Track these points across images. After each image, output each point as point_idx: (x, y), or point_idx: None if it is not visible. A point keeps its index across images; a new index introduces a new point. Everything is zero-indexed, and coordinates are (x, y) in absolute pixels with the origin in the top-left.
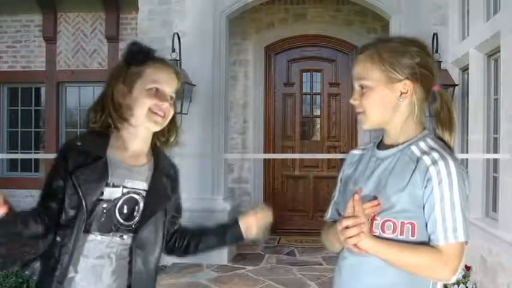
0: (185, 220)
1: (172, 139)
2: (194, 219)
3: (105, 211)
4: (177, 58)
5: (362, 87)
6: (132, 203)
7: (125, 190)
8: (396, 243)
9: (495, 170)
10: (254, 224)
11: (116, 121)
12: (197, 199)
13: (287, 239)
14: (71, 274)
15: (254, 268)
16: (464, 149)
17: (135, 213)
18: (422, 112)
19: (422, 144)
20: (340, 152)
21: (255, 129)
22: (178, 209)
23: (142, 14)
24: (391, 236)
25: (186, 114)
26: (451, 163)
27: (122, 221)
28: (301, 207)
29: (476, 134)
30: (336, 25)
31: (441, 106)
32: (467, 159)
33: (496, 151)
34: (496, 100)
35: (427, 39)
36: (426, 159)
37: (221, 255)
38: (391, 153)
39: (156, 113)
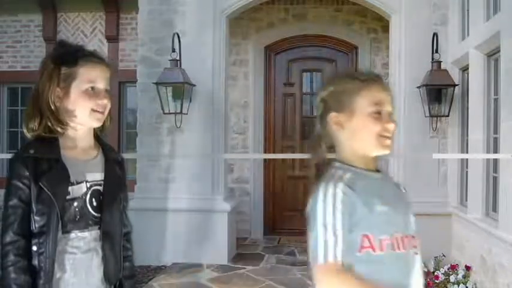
0: (185, 220)
1: (106, 125)
2: (194, 219)
3: (77, 209)
4: (177, 58)
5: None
6: (97, 194)
7: (88, 184)
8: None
9: (495, 170)
10: None
11: (55, 126)
12: (197, 199)
13: (287, 239)
14: (57, 275)
15: (254, 268)
16: (464, 149)
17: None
18: None
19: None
20: None
21: (255, 129)
22: (125, 196)
23: (142, 14)
24: None
25: (186, 114)
26: None
27: (95, 213)
28: (301, 207)
29: (476, 134)
30: (336, 25)
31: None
32: (467, 159)
33: (496, 151)
34: (496, 100)
35: (427, 39)
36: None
37: (221, 255)
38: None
39: (97, 111)
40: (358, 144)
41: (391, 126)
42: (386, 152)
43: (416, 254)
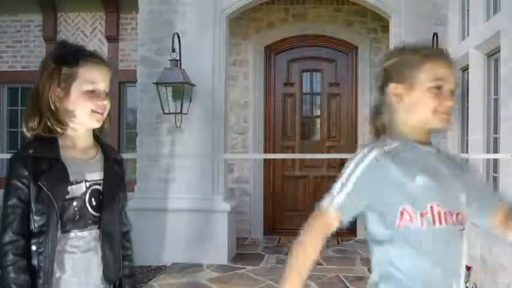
0: (185, 220)
1: (106, 125)
2: (194, 219)
3: (76, 209)
4: (177, 58)
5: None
6: (97, 194)
7: (88, 184)
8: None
9: (495, 170)
10: None
11: (55, 126)
12: (197, 199)
13: (287, 239)
14: (57, 274)
15: (254, 268)
16: (464, 149)
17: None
18: None
19: None
20: (340, 152)
21: (255, 129)
22: (124, 195)
23: (142, 14)
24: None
25: (186, 114)
26: None
27: (94, 213)
28: (301, 207)
29: (476, 134)
30: (336, 25)
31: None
32: (467, 159)
33: (496, 151)
34: (496, 100)
35: (427, 39)
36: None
37: (221, 255)
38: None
39: (96, 112)
40: (415, 118)
41: (449, 103)
42: (444, 126)
43: (461, 230)
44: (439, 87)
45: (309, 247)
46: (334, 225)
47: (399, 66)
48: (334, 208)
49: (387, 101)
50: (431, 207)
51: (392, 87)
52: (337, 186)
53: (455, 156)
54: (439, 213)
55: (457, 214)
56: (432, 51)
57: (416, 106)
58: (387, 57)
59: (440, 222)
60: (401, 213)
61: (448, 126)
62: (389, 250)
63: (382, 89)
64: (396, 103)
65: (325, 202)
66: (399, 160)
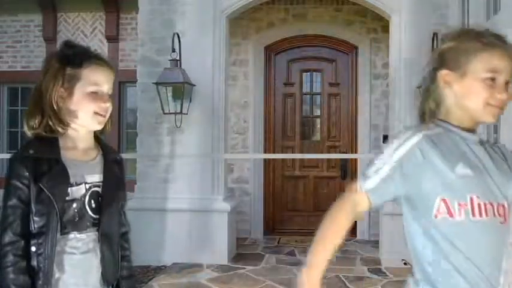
0: (185, 220)
1: (107, 127)
2: (194, 219)
3: (76, 210)
4: (177, 58)
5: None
6: (96, 195)
7: (87, 186)
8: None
9: None
10: None
11: (56, 126)
12: (197, 199)
13: (287, 239)
14: (56, 275)
15: (254, 268)
16: None
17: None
18: None
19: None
20: (340, 152)
21: (255, 129)
22: (123, 196)
23: (142, 14)
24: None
25: (186, 114)
26: None
27: (93, 215)
28: (301, 207)
29: None
30: (336, 25)
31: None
32: None
33: None
34: None
35: (427, 39)
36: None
37: (221, 255)
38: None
39: (99, 114)
40: (464, 107)
41: (502, 96)
42: (491, 121)
43: (502, 223)
44: (493, 79)
45: (335, 224)
46: (364, 206)
47: (455, 51)
48: (366, 190)
49: (436, 86)
50: (471, 199)
51: (444, 74)
52: (373, 167)
53: (502, 147)
54: (479, 205)
55: (498, 206)
56: (493, 39)
57: (467, 95)
58: (444, 40)
59: (481, 215)
60: (439, 204)
61: (495, 120)
62: (427, 246)
63: (434, 72)
64: (445, 90)
65: (359, 181)
66: (441, 147)
